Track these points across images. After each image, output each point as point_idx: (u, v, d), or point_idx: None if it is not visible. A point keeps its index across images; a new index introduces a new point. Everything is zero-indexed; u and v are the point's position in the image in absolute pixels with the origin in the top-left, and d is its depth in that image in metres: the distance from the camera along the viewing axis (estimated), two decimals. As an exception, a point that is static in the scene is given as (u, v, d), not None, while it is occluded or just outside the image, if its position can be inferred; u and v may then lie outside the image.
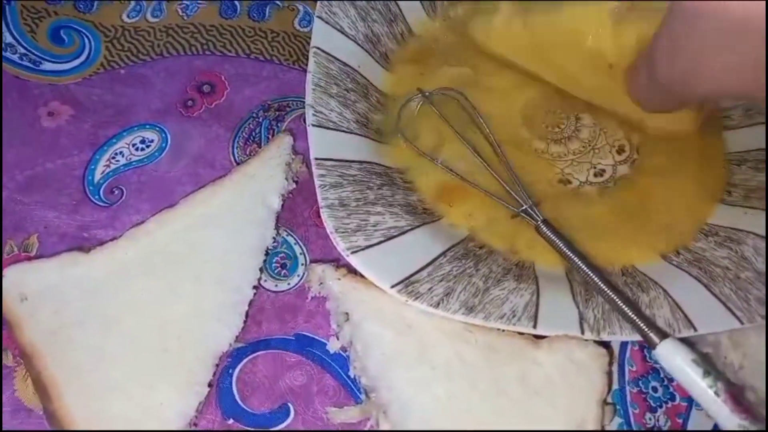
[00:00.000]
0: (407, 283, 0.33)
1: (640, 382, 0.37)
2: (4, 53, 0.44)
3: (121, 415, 0.29)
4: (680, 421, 0.36)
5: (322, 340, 0.36)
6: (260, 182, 0.36)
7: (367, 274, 0.33)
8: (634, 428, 0.35)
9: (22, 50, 0.44)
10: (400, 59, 0.45)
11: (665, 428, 0.36)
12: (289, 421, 0.34)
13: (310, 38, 0.46)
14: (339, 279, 0.34)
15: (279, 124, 0.43)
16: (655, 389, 0.37)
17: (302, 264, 0.39)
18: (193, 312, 0.32)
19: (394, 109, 0.43)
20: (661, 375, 0.37)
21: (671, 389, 0.37)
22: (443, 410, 0.30)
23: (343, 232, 0.34)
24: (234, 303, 0.33)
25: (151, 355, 0.31)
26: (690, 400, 0.37)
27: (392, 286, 0.33)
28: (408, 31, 0.46)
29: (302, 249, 0.39)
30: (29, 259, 0.36)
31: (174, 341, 0.32)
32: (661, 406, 0.36)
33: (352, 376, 0.35)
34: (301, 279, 0.38)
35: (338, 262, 0.36)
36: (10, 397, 0.33)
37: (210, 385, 0.32)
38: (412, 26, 0.47)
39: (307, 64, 0.45)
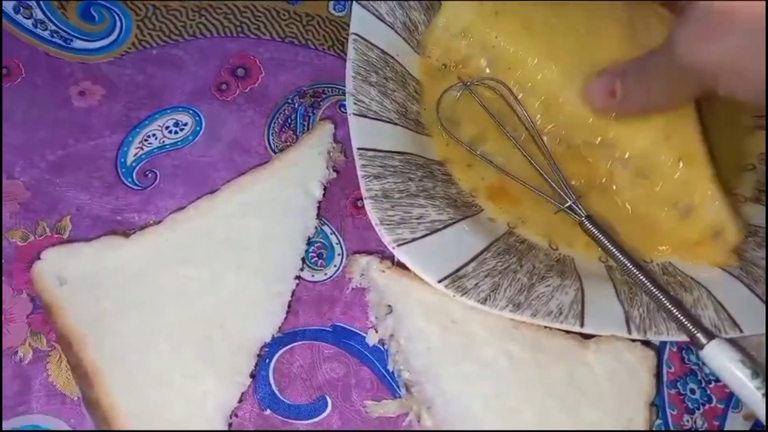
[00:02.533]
0: (454, 278, 0.32)
1: (678, 384, 0.36)
2: (34, 30, 0.42)
3: (163, 404, 0.29)
4: (717, 423, 0.36)
5: (360, 333, 0.36)
6: (302, 170, 0.36)
7: (414, 268, 0.32)
8: (672, 429, 0.35)
9: (53, 27, 0.43)
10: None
11: (702, 429, 0.35)
12: (326, 413, 0.34)
13: (344, 23, 0.46)
14: (383, 271, 0.33)
15: (315, 111, 0.43)
16: (693, 391, 0.36)
17: (339, 254, 0.38)
18: (235, 301, 0.32)
19: (431, 99, 0.42)
20: (699, 377, 0.37)
21: (708, 391, 0.37)
22: (490, 408, 0.30)
23: (388, 225, 0.34)
24: (277, 293, 0.33)
25: (194, 344, 0.30)
26: (727, 402, 0.36)
27: (439, 281, 0.32)
28: (443, 18, 0.45)
29: (338, 239, 0.39)
30: (62, 241, 0.36)
31: (217, 330, 0.31)
32: (698, 408, 0.36)
33: (390, 370, 0.35)
34: (338, 270, 0.38)
35: (382, 254, 0.36)
36: (43, 382, 0.33)
37: (252, 376, 0.32)
38: (449, 12, 0.45)
39: (341, 50, 0.45)
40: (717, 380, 0.37)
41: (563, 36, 0.41)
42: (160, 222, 0.34)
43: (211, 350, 0.30)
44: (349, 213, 0.39)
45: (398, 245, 0.33)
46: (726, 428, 0.36)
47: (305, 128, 0.42)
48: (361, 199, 0.39)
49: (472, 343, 0.31)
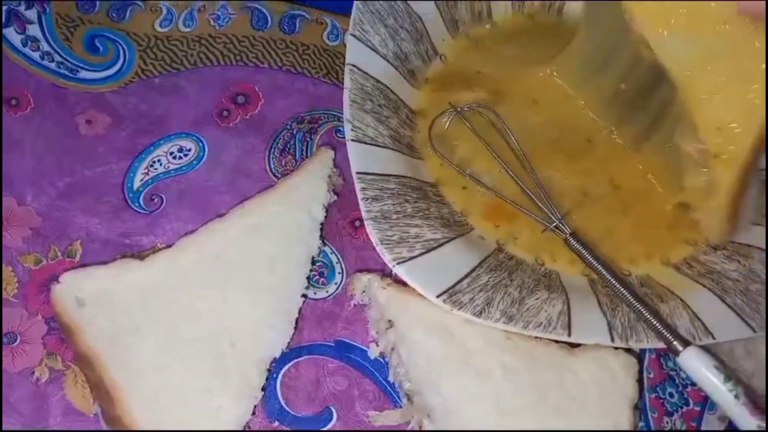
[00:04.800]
0: (451, 293, 0.35)
1: (657, 388, 0.39)
2: (41, 61, 0.44)
3: (181, 418, 0.31)
4: (694, 424, 0.39)
5: (361, 347, 0.38)
6: (305, 194, 0.38)
7: (414, 284, 0.35)
8: (654, 430, 0.38)
9: (59, 58, 0.44)
10: (426, 78, 0.47)
11: (681, 430, 0.38)
12: (332, 423, 0.36)
13: (338, 52, 0.49)
14: (384, 288, 0.36)
15: (312, 137, 0.45)
16: (671, 395, 0.39)
17: (339, 273, 0.40)
18: (245, 319, 0.34)
19: (422, 125, 0.45)
20: (676, 382, 0.40)
21: (686, 395, 0.39)
22: (487, 414, 0.32)
23: (387, 244, 0.36)
24: (285, 311, 0.35)
25: (208, 360, 0.32)
26: (703, 405, 0.39)
27: (437, 296, 0.34)
28: (433, 50, 0.48)
29: (338, 258, 0.41)
30: (74, 265, 0.37)
31: (228, 347, 0.33)
32: (677, 411, 0.39)
33: (391, 381, 0.37)
34: (339, 287, 0.40)
35: (383, 272, 0.38)
36: (60, 400, 0.34)
37: (263, 389, 0.33)
38: (436, 45, 0.48)
39: (336, 78, 0.48)
40: (693, 384, 0.39)
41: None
42: (171, 245, 0.36)
43: (224, 366, 0.32)
44: (347, 233, 0.42)
45: (398, 263, 0.35)
46: (702, 428, 0.38)
47: (304, 153, 0.44)
48: (359, 219, 0.42)
49: (469, 354, 0.33)
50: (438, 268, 0.36)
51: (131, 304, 0.33)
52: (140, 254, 0.36)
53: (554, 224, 0.39)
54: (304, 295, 0.37)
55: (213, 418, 0.31)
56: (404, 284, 0.36)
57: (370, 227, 0.36)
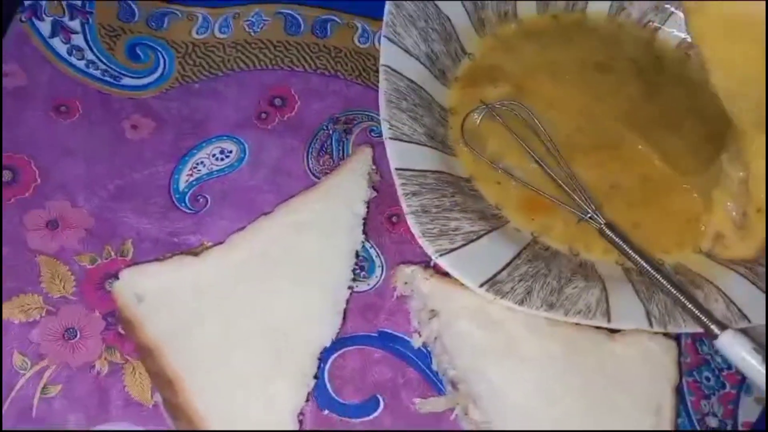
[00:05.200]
0: (492, 283, 0.36)
1: (694, 372, 0.40)
2: (87, 69, 0.46)
3: (242, 406, 0.32)
4: (731, 407, 0.40)
5: (404, 337, 0.39)
6: (347, 191, 0.39)
7: (456, 275, 0.36)
8: (693, 414, 0.38)
9: (103, 66, 0.46)
10: (456, 77, 0.49)
11: (719, 414, 0.39)
12: (379, 411, 0.37)
13: (369, 54, 0.50)
14: (427, 279, 0.37)
15: (348, 137, 0.46)
16: (708, 378, 0.40)
17: (379, 266, 0.41)
18: (296, 311, 0.35)
19: (454, 122, 0.46)
20: (712, 365, 0.40)
21: (722, 378, 0.40)
22: (533, 399, 0.33)
23: (429, 237, 0.37)
24: (333, 302, 0.36)
25: (264, 351, 0.34)
26: (739, 388, 0.40)
27: (480, 286, 0.36)
28: (462, 50, 0.50)
29: (377, 252, 0.42)
30: (126, 263, 0.39)
31: (282, 338, 0.34)
32: (714, 394, 0.40)
33: (434, 370, 0.38)
34: (380, 280, 0.41)
35: (425, 264, 0.39)
36: (120, 392, 0.35)
37: (316, 377, 0.35)
38: (464, 45, 0.50)
39: (368, 79, 0.49)
40: (729, 368, 0.40)
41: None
42: (221, 243, 0.37)
43: (280, 356, 0.34)
44: (385, 228, 0.43)
45: (440, 255, 0.36)
46: (739, 410, 0.39)
47: (341, 152, 0.45)
48: (396, 215, 0.43)
49: (512, 341, 0.35)
50: (478, 259, 0.37)
51: (187, 298, 0.34)
52: (194, 251, 0.37)
53: (589, 215, 0.40)
54: (350, 287, 0.38)
55: (271, 404, 0.32)
56: (446, 275, 0.37)
57: (411, 221, 0.38)
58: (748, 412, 0.39)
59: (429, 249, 0.37)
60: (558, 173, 0.42)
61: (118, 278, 0.35)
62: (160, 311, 0.34)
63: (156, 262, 0.36)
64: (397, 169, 0.40)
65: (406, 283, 0.38)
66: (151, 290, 0.34)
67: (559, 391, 0.33)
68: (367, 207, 0.40)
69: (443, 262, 0.36)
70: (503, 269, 0.37)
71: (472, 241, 0.38)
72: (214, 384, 0.32)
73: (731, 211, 0.42)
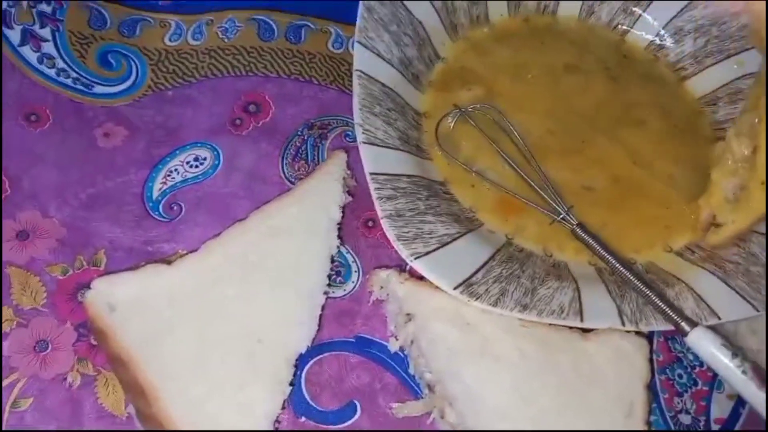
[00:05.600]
0: (467, 285, 0.36)
1: (667, 370, 0.41)
2: (58, 78, 0.45)
3: (216, 415, 0.32)
4: (704, 403, 0.40)
5: (381, 341, 0.39)
6: (322, 196, 0.39)
7: (431, 278, 0.36)
8: (666, 412, 0.39)
9: (74, 74, 0.46)
10: (429, 81, 0.49)
11: (691, 411, 0.40)
12: (356, 417, 0.37)
13: (343, 59, 0.51)
14: (402, 283, 0.37)
15: (323, 142, 0.46)
16: (680, 376, 0.41)
17: (355, 271, 0.42)
18: (271, 317, 0.35)
19: (428, 126, 0.47)
20: (685, 363, 0.41)
21: (694, 375, 0.41)
22: (508, 399, 0.33)
23: (404, 240, 0.37)
24: (309, 308, 0.36)
25: (239, 357, 0.33)
26: (711, 384, 0.41)
27: (454, 288, 0.36)
28: (435, 54, 0.50)
29: (354, 257, 0.42)
30: (100, 273, 0.38)
31: (257, 344, 0.34)
32: (686, 391, 0.40)
33: (411, 374, 0.38)
34: (356, 285, 0.41)
35: (401, 268, 0.39)
36: (93, 405, 0.35)
37: (291, 384, 0.35)
38: (437, 49, 0.50)
39: (342, 84, 0.49)
40: (701, 365, 0.41)
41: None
42: (195, 250, 0.37)
43: (254, 362, 0.33)
44: (361, 233, 0.43)
45: (415, 258, 0.36)
46: (712, 407, 0.40)
47: (316, 157, 0.46)
48: (372, 219, 0.44)
49: (487, 342, 0.35)
50: (453, 262, 0.37)
51: (161, 307, 0.34)
52: (167, 259, 0.37)
53: (561, 216, 0.41)
54: (326, 293, 0.38)
55: (246, 413, 0.32)
56: (422, 278, 0.37)
57: (386, 225, 0.38)
58: (721, 408, 0.40)
59: (404, 252, 0.37)
60: (530, 175, 0.43)
61: (90, 288, 0.34)
62: (133, 320, 0.33)
63: (128, 271, 0.36)
64: (371, 173, 0.40)
65: (381, 287, 0.38)
66: (123, 300, 0.34)
67: (535, 390, 0.34)
68: (343, 212, 0.40)
69: (418, 266, 0.36)
70: (477, 271, 0.38)
71: (447, 244, 0.39)
72: (187, 392, 0.32)
73: (728, 188, 0.42)
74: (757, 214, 0.40)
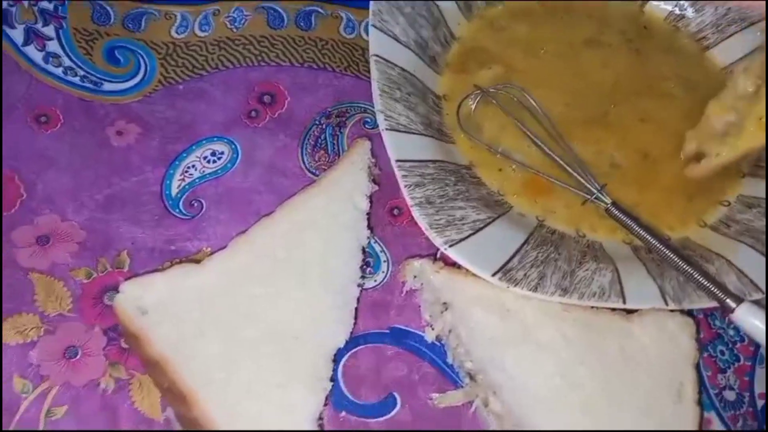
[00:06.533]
0: (504, 271, 0.35)
1: (708, 347, 0.40)
2: (65, 77, 0.44)
3: (258, 415, 0.31)
4: (747, 379, 0.39)
5: (416, 332, 0.38)
6: (347, 186, 0.38)
7: (468, 265, 0.35)
8: (710, 389, 0.38)
9: (82, 72, 0.44)
10: (446, 62, 0.48)
11: (735, 387, 0.39)
12: (397, 409, 0.36)
13: (356, 44, 0.49)
14: (437, 272, 0.36)
15: (342, 130, 0.45)
16: (722, 352, 0.40)
17: (384, 261, 0.40)
18: (305, 312, 0.34)
19: (449, 109, 0.45)
20: (726, 339, 0.40)
21: (736, 351, 0.40)
22: (555, 385, 0.33)
23: (436, 228, 0.36)
24: (343, 301, 0.35)
25: (275, 355, 0.32)
26: (753, 360, 0.40)
27: (493, 275, 0.35)
28: (450, 35, 0.49)
29: (382, 247, 0.41)
30: (123, 275, 0.37)
31: (292, 341, 0.33)
32: (729, 368, 0.40)
33: (450, 363, 0.37)
34: (386, 276, 0.40)
35: (435, 256, 0.38)
36: (128, 410, 0.34)
37: (332, 380, 0.34)
38: (452, 29, 0.49)
39: (357, 70, 0.48)
40: (742, 340, 0.40)
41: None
42: (224, 247, 0.36)
43: (291, 360, 0.33)
44: (387, 222, 0.42)
45: (449, 246, 0.35)
46: (755, 382, 0.39)
47: (335, 146, 0.44)
48: (397, 207, 0.42)
49: (529, 328, 0.34)
50: (488, 248, 0.36)
51: (192, 308, 0.33)
52: (195, 258, 0.36)
53: (594, 195, 0.40)
54: (359, 285, 0.37)
55: (288, 412, 0.31)
56: (457, 266, 0.36)
57: (417, 213, 0.37)
58: (764, 382, 0.39)
59: (437, 240, 0.36)
60: (559, 154, 0.42)
61: (118, 291, 0.33)
62: (165, 323, 0.32)
63: (157, 272, 0.34)
64: (397, 160, 0.39)
65: (415, 276, 0.37)
66: (154, 302, 0.33)
67: (581, 375, 0.33)
68: (370, 201, 0.39)
69: (453, 253, 0.35)
70: (513, 256, 0.36)
71: (480, 229, 0.37)
72: (227, 395, 0.31)
73: (720, 122, 0.42)
74: (744, 149, 0.40)
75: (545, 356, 0.33)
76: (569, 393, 0.32)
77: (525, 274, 0.36)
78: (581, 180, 0.41)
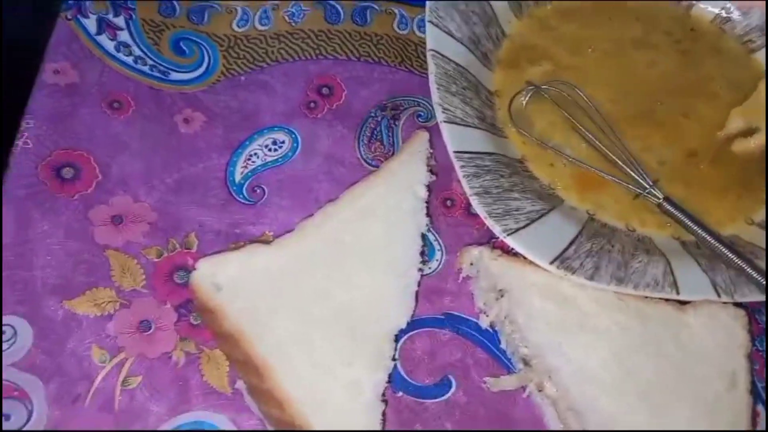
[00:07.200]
0: (562, 260, 0.36)
1: (756, 342, 0.40)
2: (135, 65, 0.46)
3: (328, 390, 0.32)
4: (795, 374, 0.40)
5: (470, 318, 0.40)
6: (407, 175, 0.40)
7: (526, 253, 0.36)
8: (758, 382, 0.39)
9: (151, 62, 0.46)
10: (498, 59, 0.49)
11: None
12: (452, 391, 0.37)
13: (409, 40, 0.51)
14: (495, 259, 0.37)
15: (396, 123, 0.47)
16: (770, 347, 0.41)
17: (438, 250, 0.42)
18: (370, 295, 0.36)
19: (500, 104, 0.46)
20: (773, 334, 0.41)
21: (783, 346, 0.41)
22: (612, 371, 0.34)
23: (495, 217, 0.37)
24: (405, 285, 0.37)
25: (342, 335, 0.34)
26: (801, 356, 0.41)
27: (551, 263, 0.36)
28: (501, 32, 0.50)
29: (435, 236, 0.42)
30: (192, 256, 0.39)
31: (358, 322, 0.34)
32: (776, 362, 0.40)
33: (503, 349, 0.38)
34: (440, 263, 0.41)
35: (493, 244, 0.39)
36: (198, 382, 0.36)
37: (394, 359, 0.35)
38: (503, 27, 0.50)
39: (411, 65, 0.49)
40: (789, 336, 0.41)
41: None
42: (291, 230, 0.38)
43: (357, 339, 0.34)
44: (441, 212, 0.43)
45: (508, 234, 0.37)
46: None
47: (391, 138, 0.46)
48: (450, 199, 0.44)
49: (585, 315, 0.35)
50: (545, 237, 0.38)
51: (264, 286, 0.35)
52: (266, 240, 0.37)
53: (647, 190, 0.41)
54: (420, 270, 0.39)
55: (355, 388, 0.33)
56: (513, 254, 0.37)
57: (476, 202, 0.38)
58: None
59: (496, 229, 0.37)
60: (612, 150, 0.43)
61: (189, 270, 0.35)
62: (239, 299, 0.34)
63: (230, 251, 0.36)
64: (455, 152, 0.40)
65: (471, 264, 0.39)
66: (227, 279, 0.34)
67: (637, 363, 0.34)
68: (429, 190, 0.41)
69: (512, 241, 0.36)
70: (569, 246, 0.38)
71: (535, 220, 0.39)
72: (298, 368, 0.32)
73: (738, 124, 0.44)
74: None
75: (602, 343, 0.34)
76: (626, 378, 0.33)
77: (581, 264, 0.37)
78: (633, 175, 0.42)
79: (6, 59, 0.49)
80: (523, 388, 0.37)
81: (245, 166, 0.44)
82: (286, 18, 0.50)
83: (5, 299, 0.35)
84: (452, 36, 0.46)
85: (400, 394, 0.37)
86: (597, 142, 0.43)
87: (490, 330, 0.39)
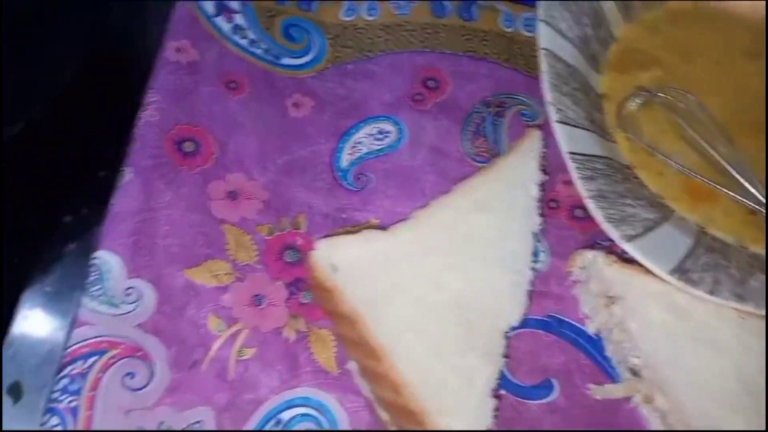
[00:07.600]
0: (681, 272, 0.36)
1: None
2: (250, 48, 0.47)
3: (441, 377, 0.32)
4: None
5: (574, 323, 0.39)
6: (521, 173, 0.40)
7: (646, 261, 0.36)
8: None
9: (264, 46, 0.47)
10: (607, 62, 0.48)
11: None
12: (554, 394, 0.37)
13: (514, 38, 0.50)
14: (610, 265, 0.37)
15: (500, 119, 0.46)
16: None
17: (542, 251, 0.41)
18: (484, 289, 0.36)
19: (608, 108, 0.46)
20: None
21: None
22: (731, 387, 0.33)
23: (612, 222, 0.37)
24: (518, 282, 0.37)
25: (457, 325, 0.34)
26: None
27: (670, 273, 0.35)
28: (610, 35, 0.49)
29: (540, 238, 0.42)
30: (302, 236, 0.40)
31: (472, 314, 0.35)
32: None
33: (608, 357, 0.38)
34: (545, 265, 0.41)
35: (608, 249, 0.39)
36: (307, 359, 0.36)
37: (506, 356, 0.35)
38: (612, 30, 0.49)
39: (517, 63, 0.49)
40: None
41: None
42: (407, 218, 0.38)
43: (472, 330, 0.34)
44: (545, 213, 0.43)
45: (627, 241, 0.36)
46: None
47: (495, 135, 0.46)
48: (555, 200, 0.43)
49: (705, 329, 0.34)
50: (662, 247, 0.37)
51: (380, 270, 0.35)
52: (381, 225, 0.38)
53: (765, 205, 0.39)
54: (533, 269, 0.38)
55: (469, 379, 0.33)
56: (627, 261, 0.37)
57: (592, 205, 0.37)
58: None
59: (614, 234, 0.36)
60: (727, 161, 0.41)
61: (314, 249, 0.36)
62: (356, 281, 0.34)
63: (345, 234, 0.37)
64: (569, 152, 0.40)
65: (582, 268, 0.38)
66: (345, 261, 0.35)
67: (758, 381, 0.33)
68: (542, 189, 0.40)
69: (631, 248, 0.36)
70: (686, 258, 0.37)
71: (652, 228, 0.38)
72: (416, 354, 0.33)
73: None
74: None
75: (723, 359, 0.33)
76: (745, 396, 0.32)
77: (700, 277, 0.36)
78: (750, 188, 0.40)
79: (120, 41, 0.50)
80: (628, 398, 0.36)
81: (351, 153, 0.44)
82: (393, 9, 0.50)
83: (134, 263, 0.37)
84: (564, 36, 0.46)
85: (503, 392, 0.37)
86: (713, 152, 0.42)
87: (594, 336, 0.38)
